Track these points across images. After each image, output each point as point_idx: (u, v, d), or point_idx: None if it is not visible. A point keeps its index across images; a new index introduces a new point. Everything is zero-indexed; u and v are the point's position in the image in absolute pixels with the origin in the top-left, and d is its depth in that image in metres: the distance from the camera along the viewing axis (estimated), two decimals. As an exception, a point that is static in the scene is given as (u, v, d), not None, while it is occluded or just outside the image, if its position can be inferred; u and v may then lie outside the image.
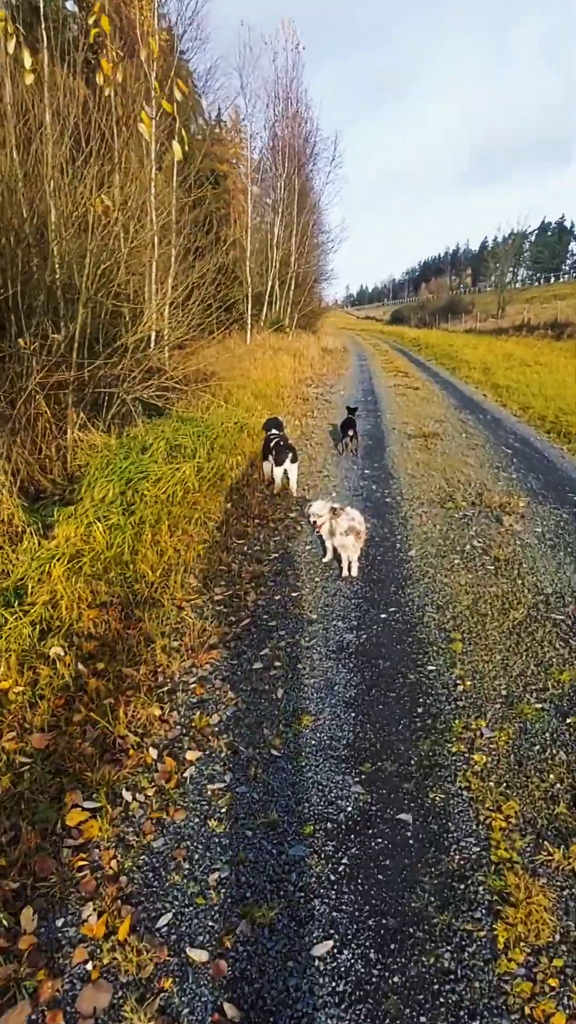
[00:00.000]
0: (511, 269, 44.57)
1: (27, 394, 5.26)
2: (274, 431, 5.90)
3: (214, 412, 7.88)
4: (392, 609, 3.49)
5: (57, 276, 5.90)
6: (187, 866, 1.88)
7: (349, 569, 3.91)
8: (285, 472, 5.61)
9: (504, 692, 2.69)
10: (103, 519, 4.50)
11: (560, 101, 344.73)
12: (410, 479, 6.15)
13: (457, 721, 2.51)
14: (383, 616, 3.42)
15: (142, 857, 1.91)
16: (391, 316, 69.54)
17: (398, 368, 17.20)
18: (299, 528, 4.81)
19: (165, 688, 2.75)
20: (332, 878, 1.84)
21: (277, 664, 2.95)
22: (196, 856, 1.92)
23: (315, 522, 3.94)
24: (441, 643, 3.11)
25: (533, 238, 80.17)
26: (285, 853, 1.92)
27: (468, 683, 2.76)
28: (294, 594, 3.69)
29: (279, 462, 5.52)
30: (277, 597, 3.65)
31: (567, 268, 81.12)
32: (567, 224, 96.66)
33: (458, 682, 2.77)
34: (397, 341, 31.70)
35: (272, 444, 5.61)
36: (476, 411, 10.24)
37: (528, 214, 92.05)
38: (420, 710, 2.60)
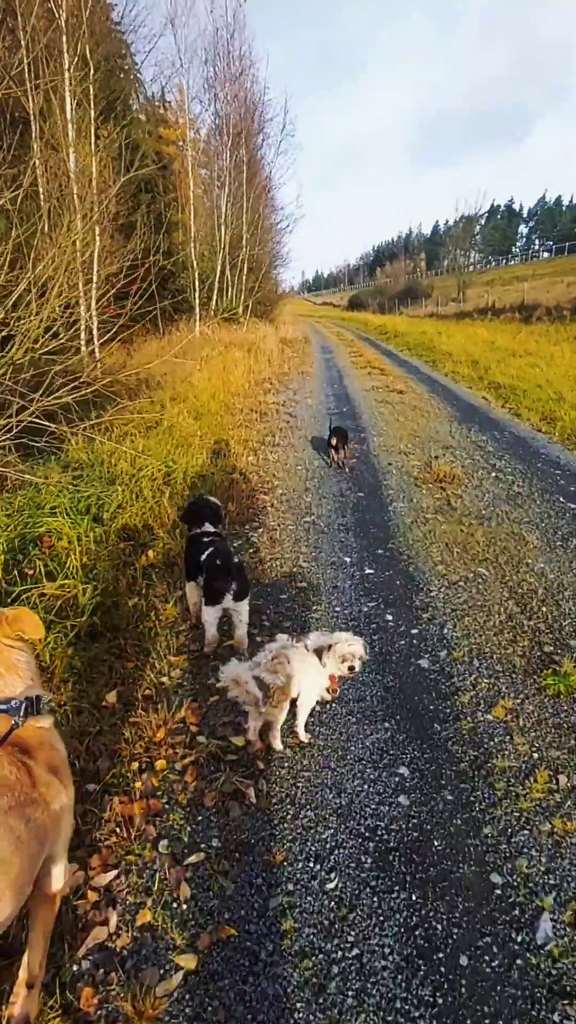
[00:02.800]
0: (463, 252, 43.03)
1: None
2: (207, 527, 3.15)
3: (127, 450, 5.08)
4: None
5: None
6: None
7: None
8: (226, 612, 2.91)
9: None
10: None
11: (505, 74, 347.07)
12: (447, 591, 3.53)
13: None
14: None
15: None
16: (349, 302, 66.77)
17: (371, 363, 14.60)
18: (278, 770, 2.17)
19: None
20: None
21: None
22: None
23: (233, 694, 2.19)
24: None
25: (484, 221, 78.93)
26: None
27: None
28: None
29: (215, 596, 2.78)
30: None
31: (516, 251, 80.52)
32: (516, 207, 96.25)
33: None
34: (361, 329, 29.05)
35: (204, 558, 2.89)
36: (487, 426, 7.77)
37: (484, 193, 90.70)
38: None
